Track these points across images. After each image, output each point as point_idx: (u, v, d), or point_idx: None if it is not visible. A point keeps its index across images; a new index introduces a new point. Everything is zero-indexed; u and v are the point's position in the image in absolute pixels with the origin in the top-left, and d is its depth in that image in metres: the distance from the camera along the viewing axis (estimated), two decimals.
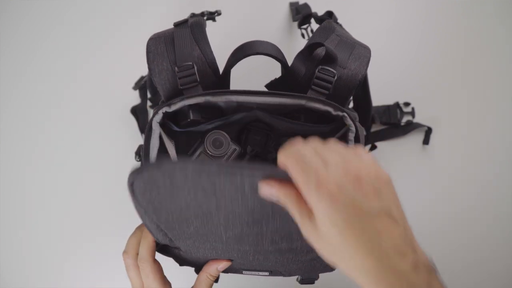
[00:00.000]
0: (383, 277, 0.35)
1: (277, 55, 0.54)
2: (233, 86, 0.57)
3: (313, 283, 0.57)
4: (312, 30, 0.70)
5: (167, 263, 0.52)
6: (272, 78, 0.55)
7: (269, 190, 0.38)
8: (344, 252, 0.37)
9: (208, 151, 0.54)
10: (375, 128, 0.74)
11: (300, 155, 0.37)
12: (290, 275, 0.56)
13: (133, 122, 0.74)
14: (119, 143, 0.74)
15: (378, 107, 0.74)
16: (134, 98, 0.74)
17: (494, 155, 0.73)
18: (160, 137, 0.53)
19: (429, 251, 0.72)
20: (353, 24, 0.66)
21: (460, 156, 0.74)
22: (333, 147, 0.39)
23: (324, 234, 0.37)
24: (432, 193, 0.73)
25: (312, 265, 0.51)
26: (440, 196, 0.73)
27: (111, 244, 0.72)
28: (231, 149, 0.55)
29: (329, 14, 0.63)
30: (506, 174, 0.73)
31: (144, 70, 0.62)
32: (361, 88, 0.64)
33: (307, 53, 0.53)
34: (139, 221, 0.70)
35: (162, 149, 0.54)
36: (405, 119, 0.74)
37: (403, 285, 0.35)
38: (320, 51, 0.52)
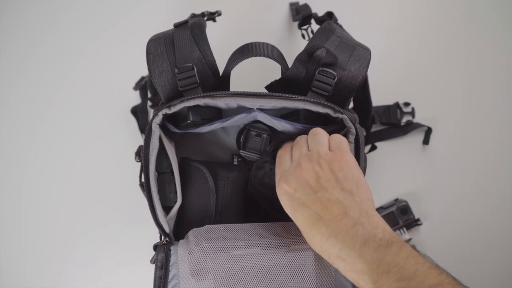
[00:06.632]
0: (336, 254, 0.42)
1: (277, 57, 0.54)
2: (233, 87, 0.57)
3: None
4: (312, 31, 0.70)
5: None
6: (272, 79, 0.55)
7: None
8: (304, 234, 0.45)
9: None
10: (375, 128, 0.74)
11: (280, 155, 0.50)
12: None
13: (133, 122, 0.74)
14: (119, 143, 0.74)
15: (378, 107, 0.74)
16: (135, 98, 0.75)
17: (494, 155, 0.74)
18: (160, 139, 0.53)
19: (429, 249, 0.72)
20: (353, 25, 0.66)
21: (460, 156, 0.74)
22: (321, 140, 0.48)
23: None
24: (432, 193, 0.73)
25: None
26: (440, 196, 0.73)
27: (111, 243, 0.73)
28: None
29: (329, 15, 0.63)
30: (506, 174, 0.73)
31: (144, 71, 0.62)
32: (361, 89, 0.64)
33: (307, 55, 0.53)
34: (138, 221, 0.70)
35: (162, 150, 0.54)
36: (405, 119, 0.74)
37: (355, 260, 0.40)
38: (321, 53, 0.52)
